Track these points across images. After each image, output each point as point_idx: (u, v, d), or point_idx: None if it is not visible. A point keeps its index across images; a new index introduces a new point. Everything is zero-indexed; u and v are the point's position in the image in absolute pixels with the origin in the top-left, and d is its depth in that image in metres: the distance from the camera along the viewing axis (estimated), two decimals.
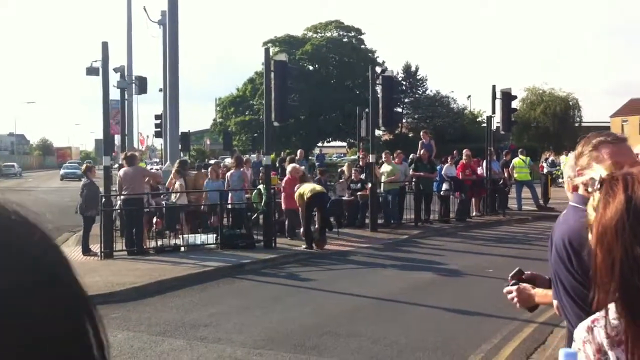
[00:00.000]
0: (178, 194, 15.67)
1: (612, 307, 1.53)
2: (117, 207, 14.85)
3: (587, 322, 1.63)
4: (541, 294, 3.17)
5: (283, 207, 15.87)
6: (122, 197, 14.43)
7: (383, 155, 19.14)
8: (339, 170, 21.25)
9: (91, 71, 16.78)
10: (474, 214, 20.34)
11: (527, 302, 3.21)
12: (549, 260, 2.92)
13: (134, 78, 22.96)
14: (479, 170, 21.03)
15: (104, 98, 14.81)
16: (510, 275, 3.29)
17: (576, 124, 55.39)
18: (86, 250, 14.15)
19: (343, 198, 18.29)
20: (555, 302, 2.90)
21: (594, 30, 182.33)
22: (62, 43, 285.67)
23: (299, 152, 22.05)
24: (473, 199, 20.46)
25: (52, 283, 0.71)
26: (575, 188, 2.95)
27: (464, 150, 20.80)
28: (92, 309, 0.74)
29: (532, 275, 3.32)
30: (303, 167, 18.54)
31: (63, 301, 0.71)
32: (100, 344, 0.73)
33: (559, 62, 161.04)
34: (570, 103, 54.68)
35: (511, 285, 3.23)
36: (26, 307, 0.67)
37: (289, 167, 16.72)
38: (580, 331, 1.64)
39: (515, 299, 3.20)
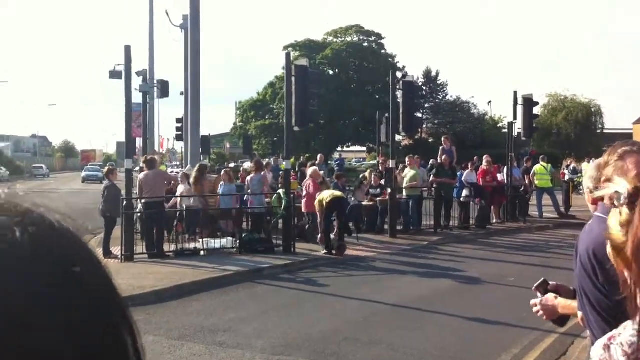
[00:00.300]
0: (192, 199, 15.70)
1: (629, 324, 1.51)
2: (137, 211, 14.95)
3: (604, 339, 1.61)
4: (564, 305, 3.13)
5: (304, 210, 15.87)
6: (143, 200, 14.55)
7: (407, 160, 19.05)
8: (360, 176, 21.19)
9: (114, 75, 16.90)
10: (494, 221, 20.21)
11: (552, 315, 3.17)
12: (574, 270, 2.88)
13: (156, 82, 23.12)
14: (500, 177, 20.89)
15: (127, 102, 14.91)
16: (534, 286, 3.25)
17: (598, 131, 54.95)
18: (107, 253, 14.23)
19: (362, 203, 18.27)
20: (579, 314, 2.86)
21: (618, 37, 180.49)
22: (85, 46, 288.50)
23: (319, 156, 22.07)
24: (493, 206, 20.34)
25: (93, 296, 0.71)
26: (595, 201, 2.92)
27: (484, 157, 20.67)
28: (130, 319, 0.74)
29: (556, 286, 3.27)
30: (322, 172, 18.55)
31: (104, 314, 0.71)
32: (137, 352, 0.73)
33: (580, 67, 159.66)
34: (593, 110, 54.27)
35: (538, 297, 3.19)
36: (67, 320, 0.68)
37: (309, 170, 16.73)
38: (597, 349, 1.62)
39: (541, 312, 3.17)
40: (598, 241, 2.51)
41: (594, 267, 2.60)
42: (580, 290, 2.76)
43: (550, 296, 3.19)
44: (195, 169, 16.49)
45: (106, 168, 16.76)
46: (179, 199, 15.74)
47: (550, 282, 3.25)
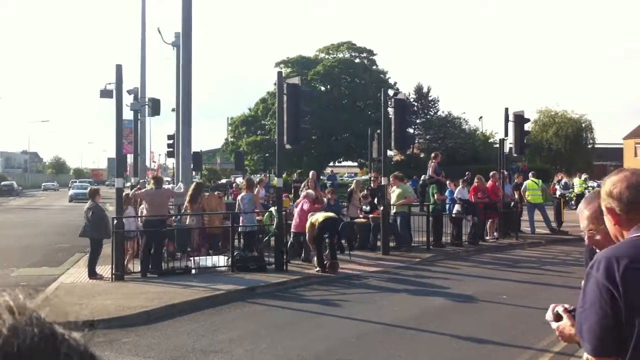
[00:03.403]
0: (189, 218, 15.66)
1: None
2: (134, 229, 14.89)
3: None
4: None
5: (293, 229, 15.80)
6: (143, 217, 14.52)
7: (390, 179, 18.74)
8: (348, 189, 21.12)
9: (105, 94, 16.84)
10: (487, 237, 20.19)
11: (570, 341, 3.03)
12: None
13: (147, 100, 23.06)
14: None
15: (117, 121, 14.84)
16: (547, 317, 3.09)
17: (589, 146, 55.25)
18: (92, 274, 14.03)
19: (355, 220, 18.22)
20: None
21: (608, 51, 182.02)
22: (76, 63, 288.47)
23: (311, 173, 21.96)
24: (489, 222, 20.34)
25: None
26: (593, 241, 2.91)
27: (477, 177, 20.61)
28: None
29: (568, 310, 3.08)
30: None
31: None
32: None
33: (570, 82, 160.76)
34: (583, 125, 54.58)
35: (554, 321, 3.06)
36: None
37: (304, 193, 16.62)
38: None
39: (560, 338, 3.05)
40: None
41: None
42: None
43: (566, 324, 3.03)
44: (192, 187, 16.35)
45: (88, 189, 16.66)
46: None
47: (560, 307, 3.07)
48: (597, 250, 2.95)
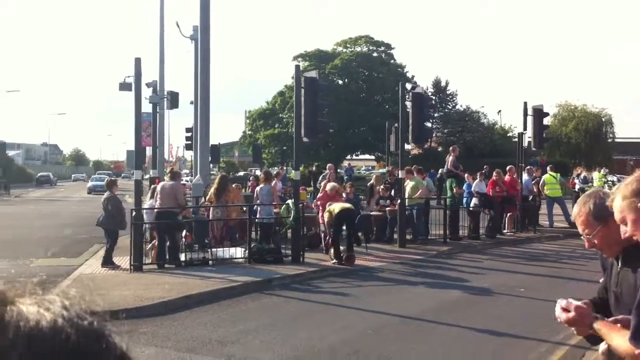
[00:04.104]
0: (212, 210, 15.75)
1: None
2: (149, 221, 14.99)
3: None
4: (605, 332, 2.86)
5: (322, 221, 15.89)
6: (156, 210, 14.60)
7: (404, 172, 18.62)
8: (367, 184, 21.10)
9: (124, 87, 16.93)
10: (505, 231, 20.12)
11: (582, 326, 2.96)
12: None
13: (165, 93, 23.19)
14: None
15: (136, 114, 14.94)
16: (560, 308, 3.00)
17: (609, 140, 54.74)
18: (106, 263, 14.23)
19: (371, 213, 18.22)
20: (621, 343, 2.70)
21: (630, 44, 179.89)
22: (96, 56, 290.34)
23: (328, 166, 21.90)
24: (507, 216, 20.27)
25: None
26: (592, 244, 2.85)
27: (495, 170, 20.51)
28: None
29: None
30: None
31: None
32: None
33: (591, 76, 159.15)
34: (603, 119, 54.07)
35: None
36: None
37: (328, 186, 16.56)
38: None
39: (569, 321, 2.98)
40: None
41: None
42: None
43: (586, 308, 2.94)
44: (217, 179, 16.43)
45: (106, 180, 16.75)
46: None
47: (573, 301, 3.03)
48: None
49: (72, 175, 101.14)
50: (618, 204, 2.64)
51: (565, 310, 2.96)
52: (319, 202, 16.04)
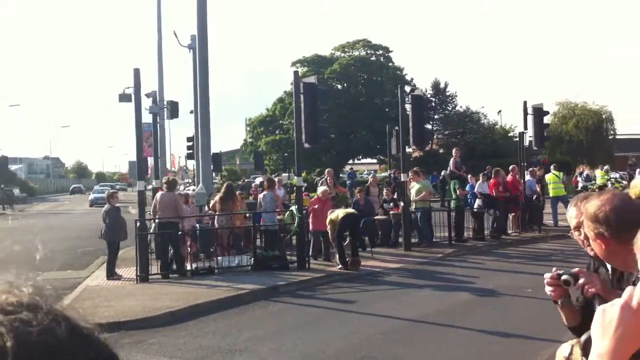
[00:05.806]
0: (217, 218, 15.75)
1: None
2: (151, 231, 14.99)
3: None
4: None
5: (311, 228, 15.79)
6: (156, 220, 14.61)
7: (409, 174, 18.68)
8: (365, 185, 21.12)
9: (123, 97, 16.92)
10: (510, 231, 20.09)
11: (597, 287, 2.85)
12: None
13: (165, 102, 23.21)
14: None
15: (137, 124, 14.98)
16: (563, 280, 2.94)
17: (610, 137, 54.68)
18: (110, 275, 14.28)
19: (376, 217, 18.22)
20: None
21: (629, 41, 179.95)
22: (95, 68, 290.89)
23: (327, 171, 21.78)
24: (511, 216, 20.24)
25: None
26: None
27: (495, 169, 20.49)
28: None
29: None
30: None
31: None
32: None
33: (590, 73, 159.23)
34: (604, 116, 54.00)
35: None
36: None
37: (319, 190, 16.67)
38: None
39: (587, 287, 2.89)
40: None
41: None
42: None
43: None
44: (224, 188, 16.37)
45: (106, 192, 16.80)
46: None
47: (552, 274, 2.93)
48: None
49: (71, 187, 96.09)
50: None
51: (566, 282, 2.90)
52: (315, 207, 15.97)
